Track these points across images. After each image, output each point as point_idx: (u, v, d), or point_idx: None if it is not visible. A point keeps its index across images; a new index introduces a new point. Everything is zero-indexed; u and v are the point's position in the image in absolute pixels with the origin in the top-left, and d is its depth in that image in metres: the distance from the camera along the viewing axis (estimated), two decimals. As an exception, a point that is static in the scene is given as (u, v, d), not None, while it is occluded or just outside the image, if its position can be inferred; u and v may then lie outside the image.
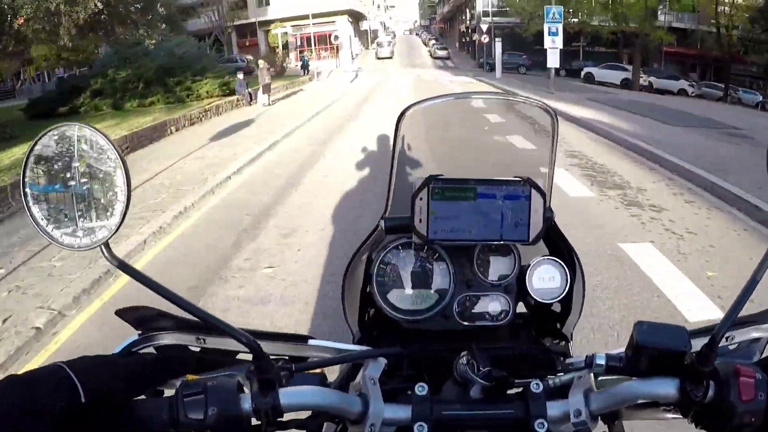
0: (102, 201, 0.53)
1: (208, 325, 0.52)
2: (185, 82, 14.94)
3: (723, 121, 11.50)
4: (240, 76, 14.88)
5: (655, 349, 0.52)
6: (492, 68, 30.53)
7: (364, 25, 52.41)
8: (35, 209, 0.52)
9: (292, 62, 36.93)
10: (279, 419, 0.53)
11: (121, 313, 0.65)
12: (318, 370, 0.62)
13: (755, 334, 0.70)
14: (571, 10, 23.85)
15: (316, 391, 0.56)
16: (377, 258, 0.77)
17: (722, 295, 3.20)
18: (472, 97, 0.87)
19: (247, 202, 5.70)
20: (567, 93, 16.35)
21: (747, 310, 0.55)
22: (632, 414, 0.61)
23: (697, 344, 0.52)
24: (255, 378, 0.52)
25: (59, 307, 3.38)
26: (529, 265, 0.76)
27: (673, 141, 7.93)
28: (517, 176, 0.71)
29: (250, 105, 14.85)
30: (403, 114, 0.75)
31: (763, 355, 0.70)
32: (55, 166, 0.52)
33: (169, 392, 0.58)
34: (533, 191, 0.70)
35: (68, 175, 0.52)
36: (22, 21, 11.41)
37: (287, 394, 0.53)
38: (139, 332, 0.68)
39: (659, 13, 26.97)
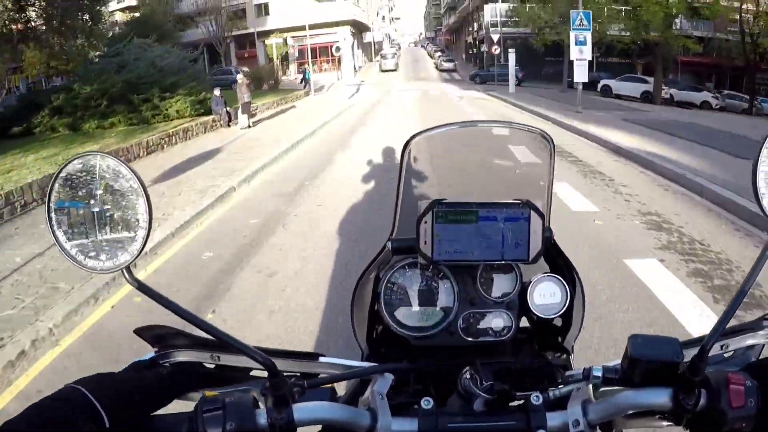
0: (124, 227, 0.57)
1: (224, 343, 0.56)
2: (152, 100, 12.71)
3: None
4: (217, 92, 12.77)
5: (649, 361, 0.55)
6: (483, 81, 28.60)
7: (368, 37, 50.82)
8: (59, 233, 0.56)
9: (292, 74, 35.30)
10: None
11: (140, 332, 0.70)
12: (328, 386, 0.66)
13: (750, 341, 0.72)
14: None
15: (326, 407, 0.59)
16: (384, 277, 0.81)
17: None
18: (477, 125, 0.93)
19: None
20: (594, 111, 14.15)
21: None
22: (628, 423, 0.64)
23: (690, 355, 0.54)
24: (270, 394, 0.56)
25: None
26: (531, 282, 0.80)
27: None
28: (517, 199, 0.75)
29: (229, 126, 12.83)
30: (408, 142, 0.82)
31: None
32: (79, 193, 0.57)
33: (184, 406, 0.61)
34: (532, 213, 0.74)
35: (92, 201, 0.57)
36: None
37: (300, 410, 0.56)
38: (156, 349, 0.71)
39: (676, 20, 24.90)
